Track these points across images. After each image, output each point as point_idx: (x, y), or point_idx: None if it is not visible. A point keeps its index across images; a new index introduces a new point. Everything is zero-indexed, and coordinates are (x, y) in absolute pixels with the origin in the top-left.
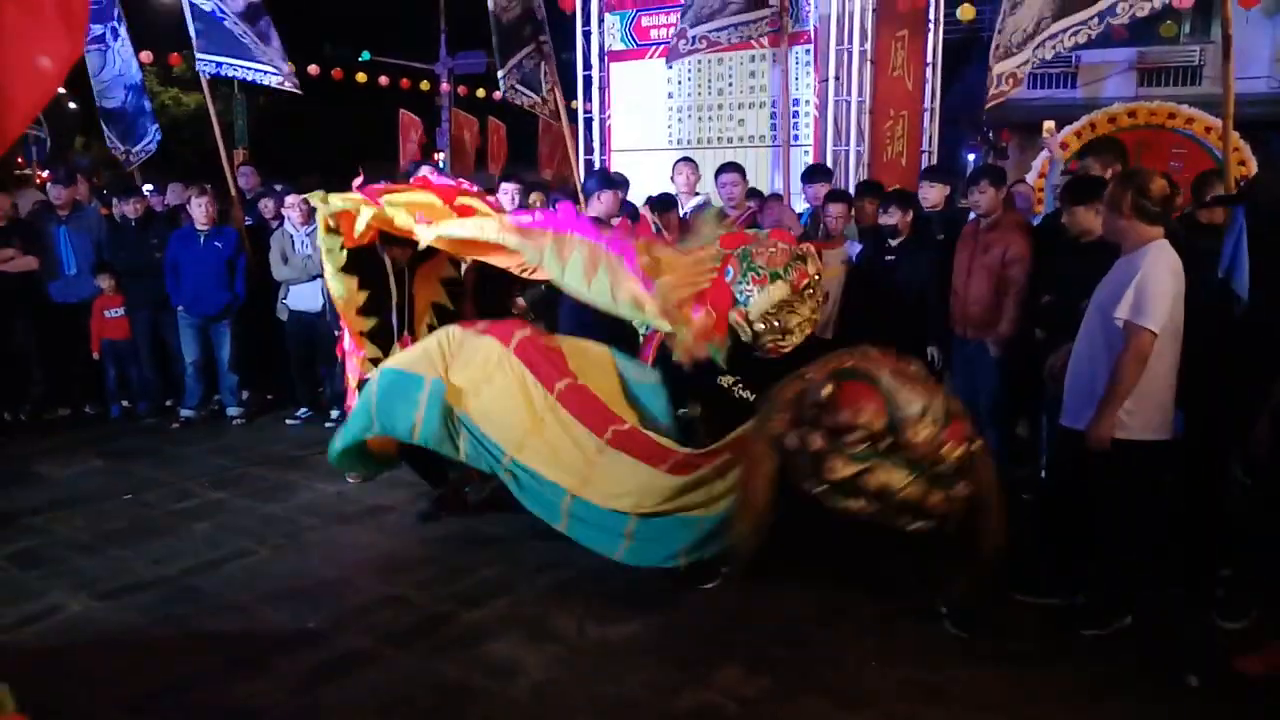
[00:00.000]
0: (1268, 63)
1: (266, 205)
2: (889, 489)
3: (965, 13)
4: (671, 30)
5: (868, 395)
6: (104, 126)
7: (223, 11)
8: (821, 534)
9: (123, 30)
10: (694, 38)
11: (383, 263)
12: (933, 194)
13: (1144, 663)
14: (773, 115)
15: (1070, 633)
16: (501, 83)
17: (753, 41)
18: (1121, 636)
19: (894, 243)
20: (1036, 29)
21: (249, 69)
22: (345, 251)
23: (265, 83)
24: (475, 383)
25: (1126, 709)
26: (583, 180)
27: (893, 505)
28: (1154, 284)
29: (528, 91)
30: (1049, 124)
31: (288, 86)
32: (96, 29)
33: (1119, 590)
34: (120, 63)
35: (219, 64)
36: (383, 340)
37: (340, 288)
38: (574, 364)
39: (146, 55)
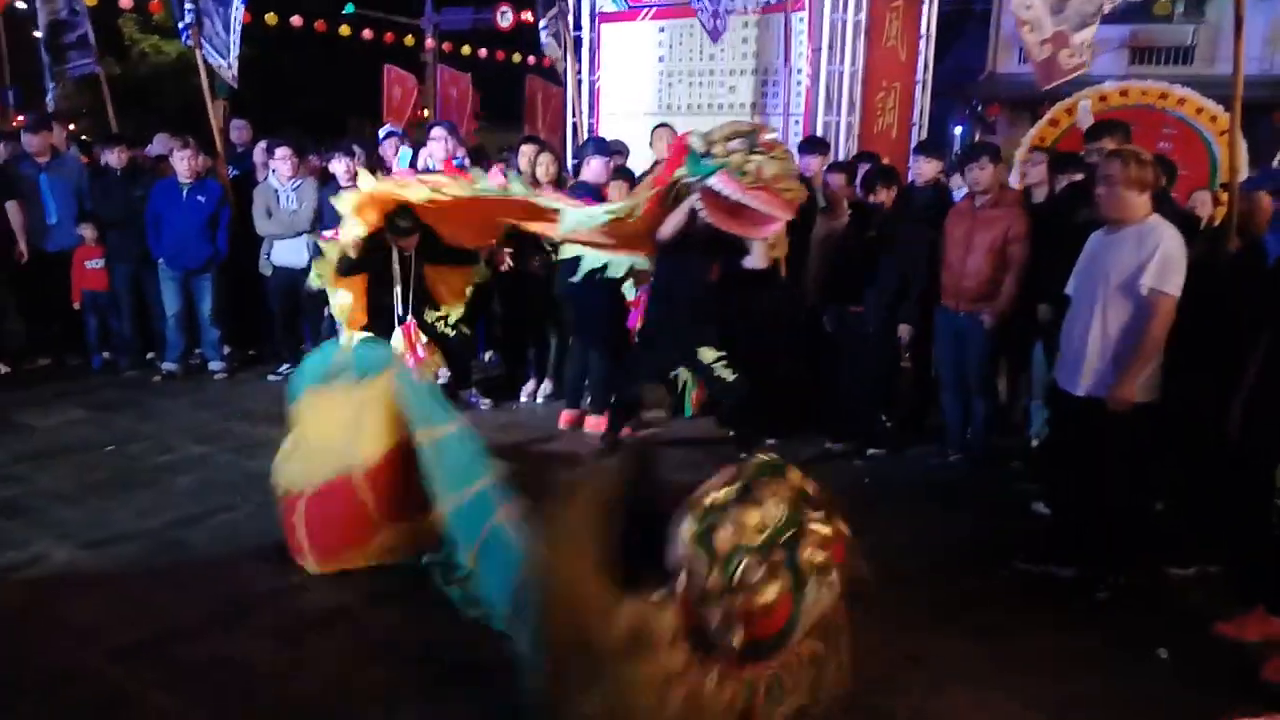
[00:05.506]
0: (1260, 44)
1: (258, 156)
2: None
3: None
4: None
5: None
6: (42, 36)
7: None
8: None
9: None
10: (723, 12)
11: (387, 252)
12: (927, 169)
13: (1116, 635)
14: (763, 83)
15: (1044, 605)
16: (543, 33)
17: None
18: (1095, 610)
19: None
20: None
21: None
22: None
23: (214, 64)
24: None
25: (1097, 680)
26: (573, 144)
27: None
28: (1177, 254)
29: (556, 46)
30: (1085, 103)
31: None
32: None
33: (1106, 560)
34: None
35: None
36: (383, 326)
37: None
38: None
39: (126, 1)
